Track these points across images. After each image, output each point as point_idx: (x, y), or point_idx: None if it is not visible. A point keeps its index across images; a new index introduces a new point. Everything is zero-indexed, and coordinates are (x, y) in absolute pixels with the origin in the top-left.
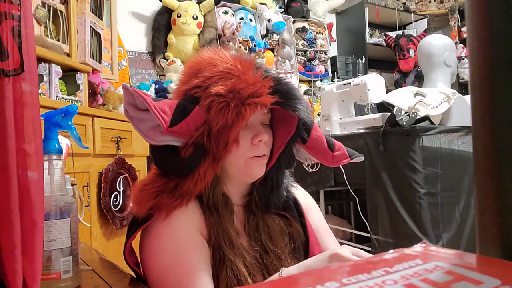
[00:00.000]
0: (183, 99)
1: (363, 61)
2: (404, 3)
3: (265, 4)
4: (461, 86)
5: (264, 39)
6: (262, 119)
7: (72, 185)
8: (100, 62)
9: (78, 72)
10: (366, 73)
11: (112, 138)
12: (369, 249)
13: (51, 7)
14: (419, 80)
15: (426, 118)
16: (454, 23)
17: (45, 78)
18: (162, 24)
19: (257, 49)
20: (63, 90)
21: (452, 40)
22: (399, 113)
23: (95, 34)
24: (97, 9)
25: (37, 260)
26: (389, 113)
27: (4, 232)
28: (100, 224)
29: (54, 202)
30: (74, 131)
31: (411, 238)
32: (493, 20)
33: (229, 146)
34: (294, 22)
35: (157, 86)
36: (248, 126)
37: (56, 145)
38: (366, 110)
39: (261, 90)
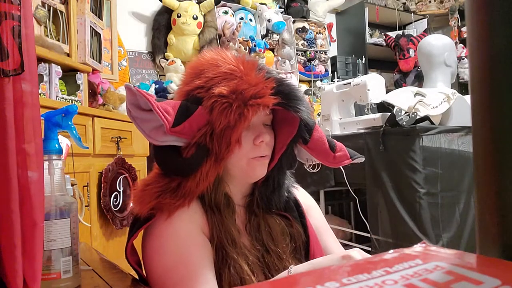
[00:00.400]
0: (185, 100)
1: (363, 61)
2: (404, 3)
3: (265, 4)
4: (461, 86)
5: (264, 39)
6: (264, 120)
7: (72, 185)
8: (100, 62)
9: (78, 72)
10: (366, 73)
11: (112, 138)
12: (369, 249)
13: (51, 7)
14: (419, 80)
15: (426, 118)
16: (454, 23)
17: (45, 78)
18: (162, 24)
19: (257, 49)
20: (63, 90)
21: (452, 40)
22: (399, 113)
23: (95, 34)
24: (97, 9)
25: (37, 260)
26: (389, 113)
27: (4, 232)
28: (100, 224)
29: (54, 202)
30: (74, 131)
31: (411, 238)
32: (493, 20)
33: (231, 147)
34: (294, 22)
35: (157, 86)
36: (250, 127)
37: (56, 145)
38: (366, 110)
39: (263, 91)
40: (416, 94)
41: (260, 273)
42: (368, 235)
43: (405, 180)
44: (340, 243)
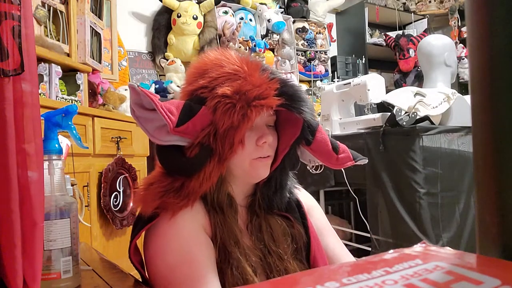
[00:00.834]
0: (189, 99)
1: (363, 61)
2: (404, 3)
3: (265, 4)
4: (461, 86)
5: (264, 39)
6: (267, 121)
7: (72, 185)
8: (100, 62)
9: (78, 72)
10: (366, 73)
11: (112, 138)
12: (369, 249)
13: (51, 7)
14: (419, 80)
15: (426, 118)
16: (454, 23)
17: (45, 78)
18: (162, 24)
19: (257, 49)
20: (63, 90)
21: (452, 40)
22: (399, 113)
23: (95, 34)
24: (97, 9)
25: (37, 260)
26: (389, 113)
27: (4, 232)
28: (100, 224)
29: (54, 202)
30: (74, 131)
31: (411, 238)
32: (493, 20)
33: (234, 147)
34: (294, 22)
35: (157, 86)
36: (253, 128)
37: (56, 145)
38: (366, 110)
39: (267, 92)
40: (416, 94)
41: (262, 274)
42: (368, 235)
43: (405, 180)
44: None
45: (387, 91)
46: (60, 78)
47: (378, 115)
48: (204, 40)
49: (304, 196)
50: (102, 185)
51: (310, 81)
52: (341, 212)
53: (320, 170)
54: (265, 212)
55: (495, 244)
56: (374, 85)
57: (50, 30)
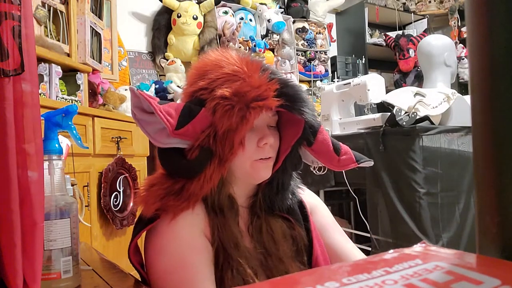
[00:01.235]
0: (189, 101)
1: (363, 61)
2: (404, 3)
3: (265, 4)
4: (461, 86)
5: (264, 39)
6: (269, 122)
7: (72, 185)
8: (100, 62)
9: (78, 72)
10: (366, 73)
11: (112, 138)
12: (369, 249)
13: (51, 7)
14: (419, 80)
15: (426, 118)
16: (454, 23)
17: (45, 78)
18: (162, 24)
19: (257, 49)
20: (63, 90)
21: (452, 40)
22: (399, 113)
23: (95, 34)
24: (97, 9)
25: (37, 260)
26: (389, 113)
27: (4, 232)
28: (100, 224)
29: (54, 202)
30: (74, 131)
31: (411, 238)
32: (493, 20)
33: (234, 149)
34: (294, 22)
35: (157, 86)
36: (254, 129)
37: (56, 145)
38: (366, 110)
39: (266, 93)
40: (416, 94)
41: (262, 276)
42: (368, 235)
43: (405, 180)
44: None
45: (387, 91)
46: (60, 78)
47: (378, 115)
48: (204, 40)
49: (308, 195)
50: (102, 185)
51: (310, 81)
52: (341, 212)
53: (323, 171)
54: (266, 213)
55: (495, 244)
56: (374, 85)
57: (50, 30)
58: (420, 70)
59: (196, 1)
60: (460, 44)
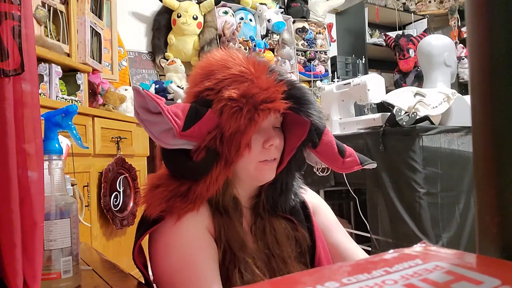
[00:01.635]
0: (195, 102)
1: (363, 61)
2: (404, 3)
3: (265, 4)
4: (461, 86)
5: (264, 39)
6: (274, 123)
7: (72, 185)
8: (100, 62)
9: (78, 72)
10: (366, 73)
11: (112, 138)
12: (369, 249)
13: (51, 7)
14: (419, 80)
15: (426, 118)
16: (454, 23)
17: (45, 78)
18: (162, 24)
19: (257, 49)
20: (63, 90)
21: (452, 40)
22: (399, 113)
23: (95, 34)
24: (97, 9)
25: (37, 260)
26: (389, 113)
27: (4, 232)
28: (100, 224)
29: (54, 202)
30: (74, 131)
31: (411, 238)
32: (493, 20)
33: (241, 151)
34: (294, 22)
35: (157, 86)
36: (260, 130)
37: (56, 145)
38: (366, 110)
39: (274, 95)
40: (416, 94)
41: (267, 277)
42: (368, 235)
43: (405, 180)
44: None
45: (387, 91)
46: (60, 78)
47: (378, 115)
48: (204, 40)
49: (310, 196)
50: (102, 185)
51: (310, 81)
52: (341, 212)
53: (326, 172)
54: (269, 214)
55: (495, 244)
56: (374, 85)
57: (50, 30)
58: (420, 70)
59: (196, 1)
60: (460, 44)
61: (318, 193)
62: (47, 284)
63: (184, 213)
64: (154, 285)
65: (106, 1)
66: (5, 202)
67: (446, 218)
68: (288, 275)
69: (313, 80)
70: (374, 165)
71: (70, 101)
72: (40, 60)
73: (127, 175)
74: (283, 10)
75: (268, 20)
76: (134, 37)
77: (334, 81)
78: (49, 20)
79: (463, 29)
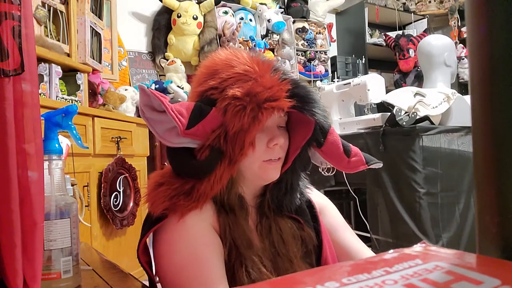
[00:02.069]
0: (199, 101)
1: (363, 61)
2: (404, 3)
3: (265, 4)
4: (461, 86)
5: (264, 39)
6: (278, 122)
7: (72, 185)
8: (100, 62)
9: (78, 72)
10: (366, 73)
11: (112, 138)
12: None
13: (51, 7)
14: (419, 80)
15: (426, 118)
16: (454, 23)
17: (45, 78)
18: (162, 24)
19: (257, 49)
20: (63, 90)
21: (452, 40)
22: (399, 113)
23: (95, 34)
24: (97, 9)
25: (37, 260)
26: (389, 113)
27: (4, 232)
28: (100, 224)
29: (54, 202)
30: (74, 131)
31: (411, 238)
32: (493, 20)
33: (245, 150)
34: (294, 22)
35: (157, 86)
36: (264, 129)
37: (56, 145)
38: (366, 110)
39: (278, 94)
40: (416, 94)
41: (274, 276)
42: (368, 235)
43: (405, 180)
44: None
45: (387, 91)
46: (60, 78)
47: (378, 115)
48: (204, 40)
49: (316, 195)
50: (102, 185)
51: (310, 81)
52: (341, 212)
53: (332, 172)
54: (275, 214)
55: (495, 244)
56: (374, 85)
57: (50, 30)
58: (420, 70)
59: (196, 1)
60: (460, 44)
61: None
62: (47, 284)
63: (188, 211)
64: (159, 283)
65: (106, 1)
66: (5, 202)
67: (446, 218)
68: (288, 275)
69: (313, 80)
70: (380, 165)
71: (70, 101)
72: (40, 60)
73: (127, 175)
74: (283, 10)
75: (268, 20)
76: (134, 37)
77: (334, 81)
78: (49, 20)
79: (463, 29)
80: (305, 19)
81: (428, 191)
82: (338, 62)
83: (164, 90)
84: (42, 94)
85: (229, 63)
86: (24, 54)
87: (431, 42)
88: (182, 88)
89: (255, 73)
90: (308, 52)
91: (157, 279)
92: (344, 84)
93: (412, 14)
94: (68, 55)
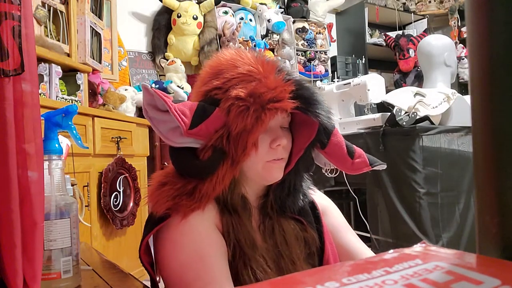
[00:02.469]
0: (203, 100)
1: (363, 61)
2: (404, 3)
3: (265, 4)
4: (461, 86)
5: (264, 39)
6: (282, 122)
7: (72, 185)
8: (100, 62)
9: (78, 72)
10: (366, 73)
11: (112, 138)
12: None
13: (51, 7)
14: (419, 80)
15: (426, 118)
16: (454, 23)
17: (45, 78)
18: (162, 24)
19: (257, 49)
20: (63, 90)
21: (452, 40)
22: (399, 113)
23: (95, 34)
24: (97, 9)
25: (37, 260)
26: (389, 113)
27: (4, 232)
28: (100, 224)
29: (54, 202)
30: (74, 131)
31: (411, 238)
32: (493, 20)
33: (247, 150)
34: (294, 22)
35: (157, 86)
36: (267, 130)
37: (56, 145)
38: (366, 110)
39: (281, 94)
40: (416, 94)
41: (275, 277)
42: (368, 235)
43: (405, 180)
44: None
45: (387, 91)
46: (60, 78)
47: (378, 115)
48: (204, 40)
49: (319, 197)
50: (102, 185)
51: (310, 81)
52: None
53: (335, 173)
54: (278, 215)
55: (495, 244)
56: (374, 85)
57: (50, 30)
58: (420, 70)
59: (196, 1)
60: (460, 44)
61: None
62: (47, 284)
63: (190, 211)
64: (161, 283)
65: (106, 1)
66: (5, 202)
67: (446, 218)
68: (288, 275)
69: (313, 80)
70: (384, 166)
71: (70, 101)
72: (40, 60)
73: (127, 175)
74: (283, 10)
75: (268, 20)
76: (134, 37)
77: (334, 81)
78: (49, 20)
79: (463, 29)
80: (305, 19)
81: (428, 191)
82: (338, 62)
83: (164, 90)
84: (42, 94)
85: (233, 63)
86: (24, 54)
87: (431, 42)
88: (182, 88)
89: (259, 74)
90: (308, 52)
91: (158, 278)
92: (344, 84)
93: (412, 14)
94: (68, 55)
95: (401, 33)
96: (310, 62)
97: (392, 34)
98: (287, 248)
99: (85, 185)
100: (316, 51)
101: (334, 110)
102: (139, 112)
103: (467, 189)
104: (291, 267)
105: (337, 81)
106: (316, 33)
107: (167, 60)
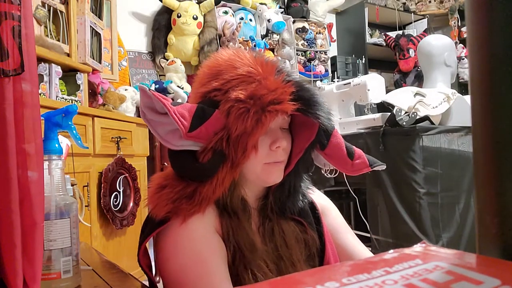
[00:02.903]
0: (202, 102)
1: (363, 61)
2: (404, 3)
3: (265, 4)
4: (461, 86)
5: (264, 39)
6: (282, 124)
7: (72, 185)
8: (100, 62)
9: (78, 72)
10: (366, 73)
11: (112, 138)
12: (369, 249)
13: (51, 7)
14: (419, 80)
15: (426, 118)
16: (454, 23)
17: (45, 78)
18: (162, 24)
19: (257, 49)
20: (63, 90)
21: (452, 40)
22: (399, 113)
23: (95, 34)
24: (97, 9)
25: (37, 260)
26: (389, 113)
27: (4, 232)
28: (100, 224)
29: (54, 202)
30: (74, 131)
31: (411, 238)
32: (493, 20)
33: (247, 152)
34: (294, 22)
35: (157, 86)
36: (267, 131)
37: (56, 145)
38: (366, 110)
39: (282, 96)
40: (416, 94)
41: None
42: (368, 235)
43: (405, 180)
44: None
45: (387, 91)
46: (60, 78)
47: (378, 115)
48: (204, 40)
49: (318, 197)
50: (102, 185)
51: (310, 81)
52: (341, 212)
53: (335, 174)
54: (278, 216)
55: (495, 244)
56: (374, 85)
57: (50, 30)
58: (420, 70)
59: (196, 1)
60: (460, 44)
61: None
62: (47, 284)
63: (190, 215)
64: (159, 285)
65: (106, 1)
66: (5, 202)
67: (446, 218)
68: (288, 275)
69: (313, 80)
70: (384, 167)
71: (70, 101)
72: (40, 60)
73: (127, 175)
74: (283, 10)
75: (268, 20)
76: (134, 37)
77: (334, 81)
78: (49, 20)
79: (463, 29)
80: (305, 19)
81: (428, 191)
82: (338, 62)
83: (164, 90)
84: (42, 94)
85: (232, 64)
86: (24, 54)
87: (431, 42)
88: (182, 88)
89: (259, 75)
90: (308, 52)
91: (158, 279)
92: (344, 84)
93: (412, 14)
94: (68, 55)
95: (401, 33)
96: (310, 62)
97: (392, 34)
98: (287, 250)
99: (85, 185)
100: (316, 51)
101: (334, 110)
102: (139, 112)
103: (467, 189)
104: (291, 269)
105: (337, 81)
106: (316, 33)
107: (167, 60)
